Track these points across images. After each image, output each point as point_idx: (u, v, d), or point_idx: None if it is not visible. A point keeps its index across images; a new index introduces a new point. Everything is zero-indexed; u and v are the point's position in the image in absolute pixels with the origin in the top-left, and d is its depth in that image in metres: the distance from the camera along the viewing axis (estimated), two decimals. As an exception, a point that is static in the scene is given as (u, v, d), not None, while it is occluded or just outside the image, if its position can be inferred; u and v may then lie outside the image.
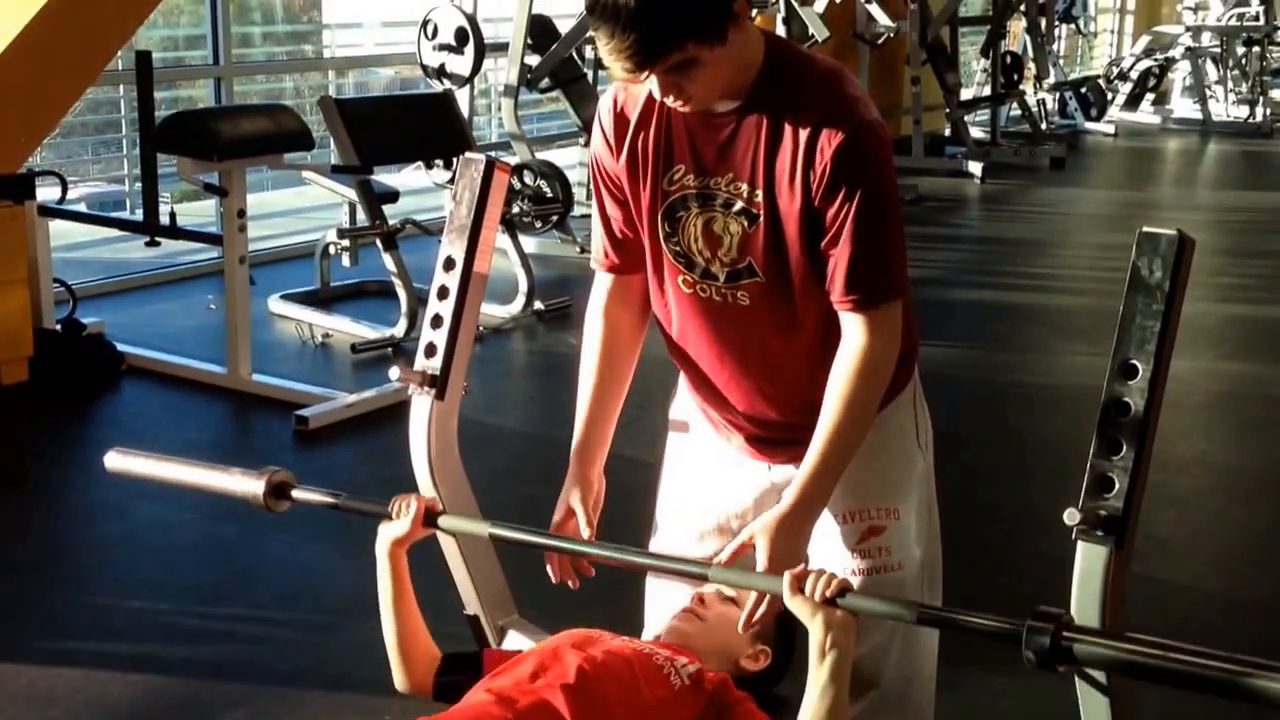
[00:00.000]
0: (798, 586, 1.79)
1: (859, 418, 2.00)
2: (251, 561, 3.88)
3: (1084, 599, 1.63)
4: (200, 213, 7.43)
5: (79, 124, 7.94)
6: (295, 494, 2.27)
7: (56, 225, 5.60)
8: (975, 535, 3.75)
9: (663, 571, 2.04)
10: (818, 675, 1.79)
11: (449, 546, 2.41)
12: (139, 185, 5.60)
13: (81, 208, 6.87)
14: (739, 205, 1.99)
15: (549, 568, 2.18)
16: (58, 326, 5.33)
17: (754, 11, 2.08)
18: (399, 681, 2.14)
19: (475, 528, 2.14)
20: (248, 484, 2.27)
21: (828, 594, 1.77)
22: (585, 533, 2.18)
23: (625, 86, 2.07)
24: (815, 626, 1.78)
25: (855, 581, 2.12)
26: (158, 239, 5.26)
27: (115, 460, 2.47)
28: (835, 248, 1.95)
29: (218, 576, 3.75)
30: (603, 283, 2.24)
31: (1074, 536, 1.62)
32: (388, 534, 2.14)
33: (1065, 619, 1.61)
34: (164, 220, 5.17)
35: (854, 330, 1.98)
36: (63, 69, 4.98)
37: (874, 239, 1.95)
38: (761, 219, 1.98)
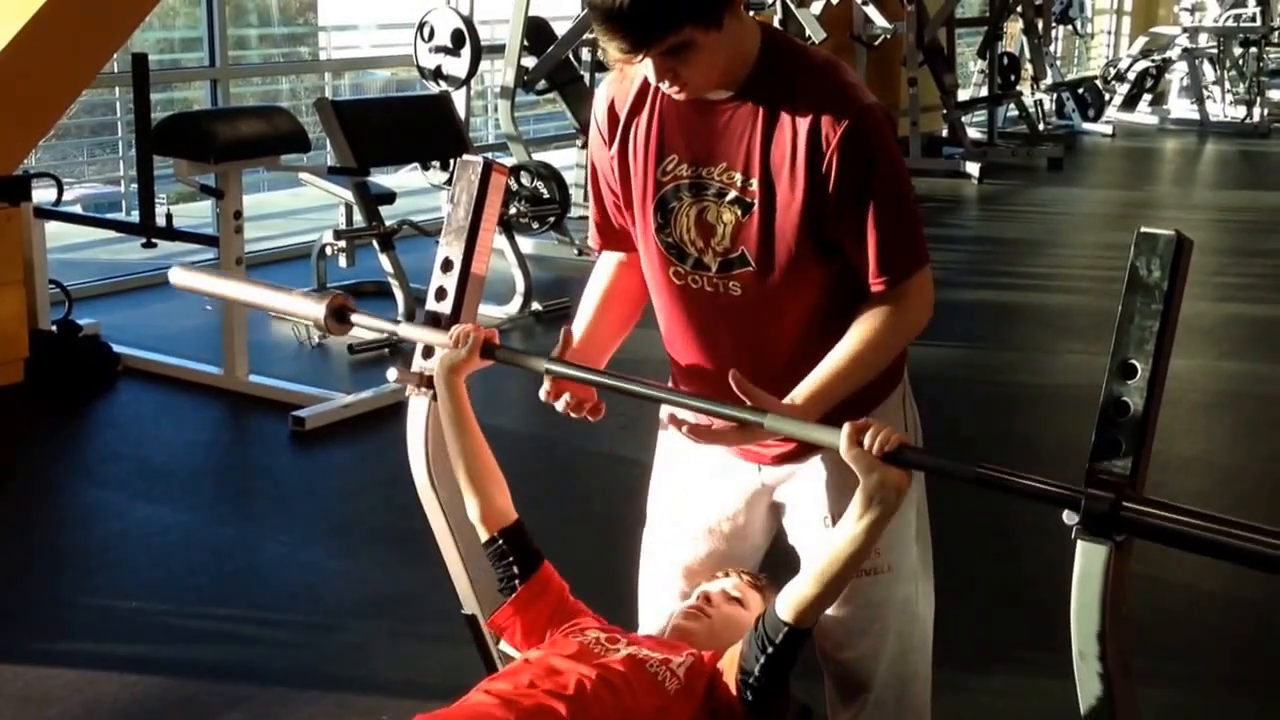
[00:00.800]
0: (856, 439, 1.78)
1: (875, 359, 2.01)
2: (249, 562, 3.88)
3: (1083, 599, 1.62)
4: (196, 214, 7.43)
5: (74, 126, 7.94)
6: (355, 319, 2.28)
7: (52, 227, 5.59)
8: (973, 535, 3.75)
9: (715, 415, 1.96)
10: (854, 525, 1.80)
11: (447, 547, 2.40)
12: (135, 187, 5.59)
13: (77, 209, 6.86)
14: (732, 194, 1.99)
15: (558, 401, 2.10)
16: (53, 328, 5.34)
17: (750, 13, 2.10)
18: (470, 509, 2.13)
19: (532, 363, 2.11)
20: (309, 306, 2.30)
21: (886, 449, 1.76)
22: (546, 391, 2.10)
23: (620, 78, 2.08)
24: (869, 480, 1.78)
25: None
26: (154, 240, 5.26)
27: (179, 276, 2.49)
28: (856, 234, 1.96)
29: (215, 577, 3.75)
30: (610, 254, 2.26)
31: (1073, 536, 1.61)
32: (446, 361, 2.13)
33: (1126, 488, 1.59)
34: (160, 221, 5.17)
35: (888, 299, 2.01)
36: (59, 71, 4.98)
37: (894, 219, 1.97)
38: (756, 208, 1.98)
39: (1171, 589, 3.65)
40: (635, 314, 2.28)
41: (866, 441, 1.77)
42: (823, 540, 1.84)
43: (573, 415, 2.11)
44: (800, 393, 1.97)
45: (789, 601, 1.86)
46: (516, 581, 2.09)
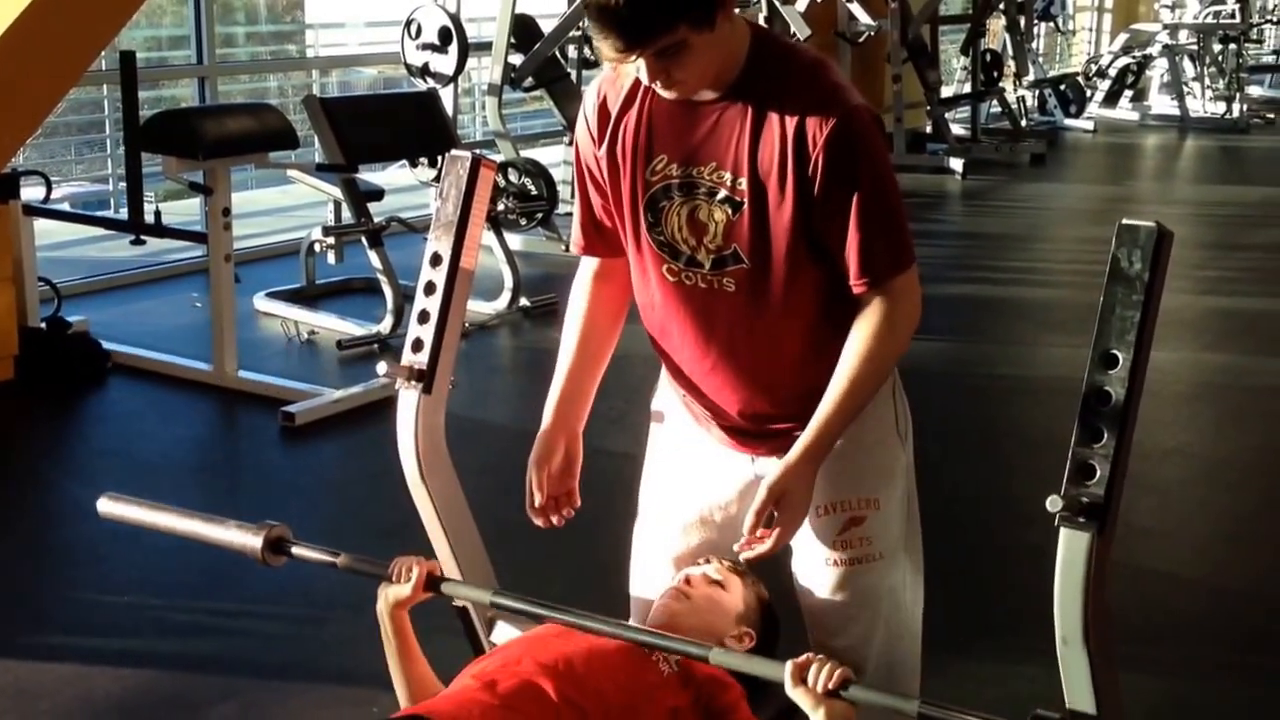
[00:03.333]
0: (800, 677, 1.78)
1: (874, 372, 2.03)
2: (238, 557, 3.87)
3: (1066, 585, 1.64)
4: (185, 211, 7.43)
5: (62, 124, 7.92)
6: (295, 551, 2.25)
7: (41, 224, 5.61)
8: (957, 526, 3.79)
9: (666, 650, 1.98)
10: None
11: (437, 540, 2.40)
12: (123, 184, 5.60)
13: (65, 207, 6.86)
14: (722, 193, 2.00)
15: (533, 515, 2.23)
16: (43, 325, 5.34)
17: (736, 10, 2.11)
18: None
19: (478, 595, 2.12)
20: (244, 538, 2.26)
21: (830, 685, 1.76)
22: (537, 499, 2.22)
23: (612, 77, 2.09)
24: (817, 716, 1.77)
25: (837, 572, 2.16)
26: (143, 237, 5.27)
27: (107, 505, 2.44)
28: (840, 234, 1.98)
29: (206, 572, 3.74)
30: (588, 263, 2.27)
31: (1056, 523, 1.63)
32: (390, 596, 2.14)
33: None
34: (149, 219, 5.18)
35: (872, 303, 2.02)
36: (46, 69, 4.97)
37: (879, 219, 1.99)
38: (746, 206, 1.99)
39: (1154, 577, 3.69)
40: (614, 334, 2.30)
41: (810, 678, 1.77)
42: None
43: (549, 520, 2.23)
44: (803, 442, 2.01)
45: None
46: None
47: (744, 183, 1.99)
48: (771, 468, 2.16)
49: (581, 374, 2.26)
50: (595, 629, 1.98)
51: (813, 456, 2.02)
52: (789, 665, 1.78)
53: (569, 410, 2.26)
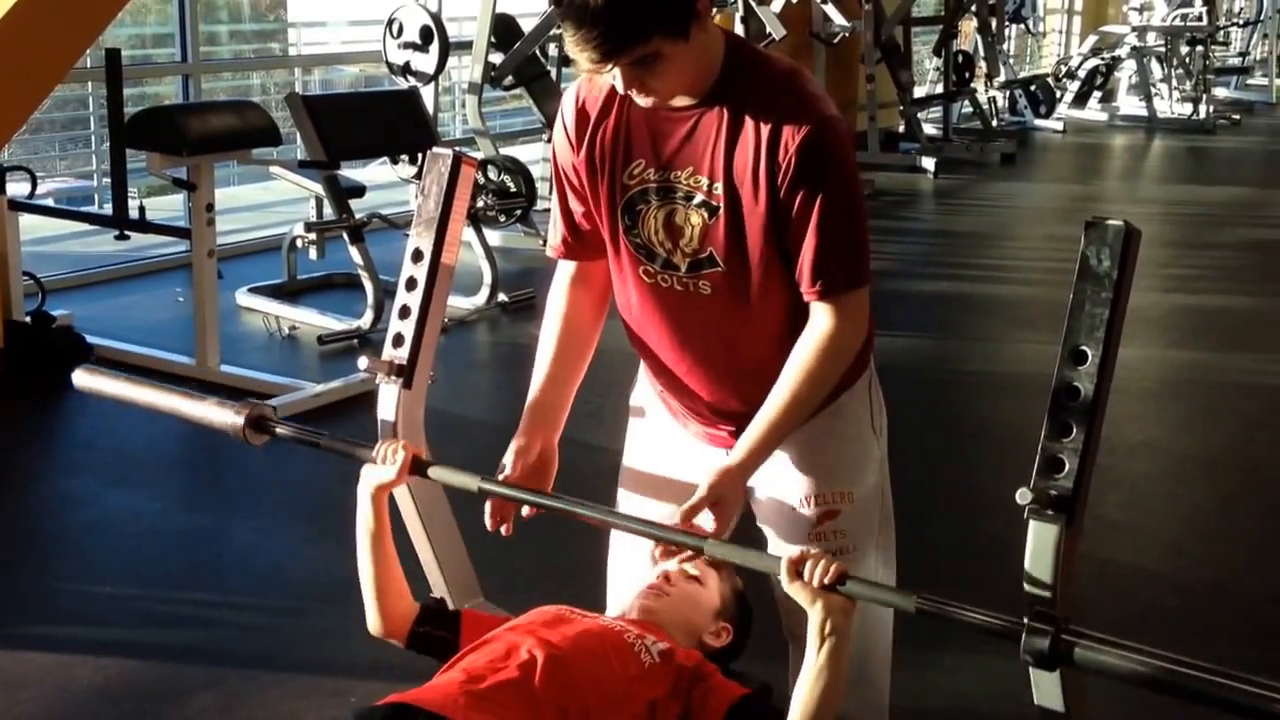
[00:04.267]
0: (795, 571, 1.78)
1: (814, 391, 2.06)
2: (220, 548, 3.91)
3: (1035, 576, 1.67)
4: (168, 207, 7.44)
5: (47, 120, 7.92)
6: (279, 430, 2.24)
7: (26, 219, 5.60)
8: (928, 520, 3.82)
9: (660, 540, 2.03)
10: (816, 659, 1.79)
11: (415, 530, 2.43)
12: (107, 180, 5.61)
13: (50, 202, 6.87)
14: (699, 198, 2.03)
15: (489, 514, 2.19)
16: (27, 319, 5.34)
17: (713, 11, 2.14)
18: (372, 624, 2.13)
19: (465, 480, 2.09)
20: (226, 415, 2.25)
21: (826, 580, 1.76)
22: (505, 472, 2.19)
23: (589, 82, 2.11)
24: (815, 611, 1.78)
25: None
26: (127, 233, 5.29)
27: (83, 378, 2.41)
28: (802, 239, 2.00)
29: (187, 563, 3.78)
30: (565, 267, 2.28)
31: (1026, 515, 1.66)
32: (373, 478, 2.13)
33: (1064, 620, 1.63)
34: (133, 214, 5.19)
35: (821, 316, 2.04)
36: (32, 67, 4.99)
37: (839, 230, 2.00)
38: (721, 211, 2.02)
39: (1122, 569, 3.72)
40: (593, 341, 2.30)
41: (806, 573, 1.77)
42: (797, 690, 1.85)
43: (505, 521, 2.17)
44: (740, 450, 2.05)
45: None
46: (460, 642, 2.08)
47: (719, 188, 2.01)
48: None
49: (558, 382, 2.26)
50: (584, 515, 2.00)
51: (747, 469, 2.05)
52: (784, 560, 1.78)
53: (547, 417, 2.25)
